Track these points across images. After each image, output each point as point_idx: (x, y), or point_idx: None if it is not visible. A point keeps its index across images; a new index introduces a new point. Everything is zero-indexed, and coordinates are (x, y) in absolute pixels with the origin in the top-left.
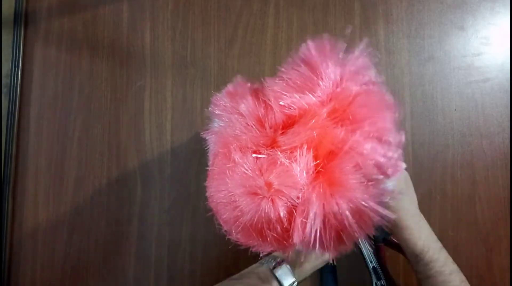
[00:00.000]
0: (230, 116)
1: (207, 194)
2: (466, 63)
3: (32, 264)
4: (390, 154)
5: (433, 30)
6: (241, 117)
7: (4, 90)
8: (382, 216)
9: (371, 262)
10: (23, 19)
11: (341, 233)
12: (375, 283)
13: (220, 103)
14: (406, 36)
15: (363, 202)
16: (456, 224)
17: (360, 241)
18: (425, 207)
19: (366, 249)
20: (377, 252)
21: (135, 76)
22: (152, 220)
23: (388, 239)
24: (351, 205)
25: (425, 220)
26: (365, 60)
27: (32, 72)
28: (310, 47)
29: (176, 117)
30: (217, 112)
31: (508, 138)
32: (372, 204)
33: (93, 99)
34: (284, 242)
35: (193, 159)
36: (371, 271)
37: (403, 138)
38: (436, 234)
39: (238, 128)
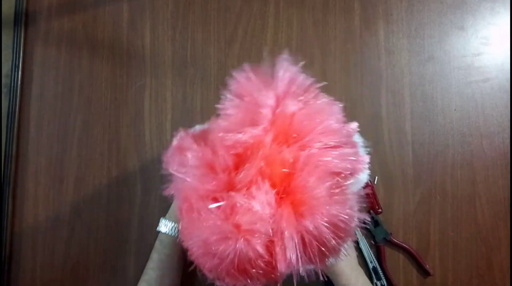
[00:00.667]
0: (183, 169)
1: (186, 247)
2: (466, 63)
3: (32, 264)
4: (349, 154)
5: (433, 30)
6: (194, 168)
7: (4, 90)
8: (359, 219)
9: (371, 262)
10: (23, 19)
11: (322, 247)
12: (375, 283)
13: (171, 160)
14: (406, 36)
15: (334, 212)
16: (456, 224)
17: (360, 241)
18: (425, 207)
19: (366, 250)
20: (377, 252)
21: (135, 76)
22: (152, 220)
23: (388, 239)
24: (325, 219)
25: (361, 270)
26: (292, 71)
27: (32, 72)
28: (239, 79)
29: (176, 117)
30: (171, 170)
31: (508, 138)
32: (344, 212)
33: (93, 99)
34: (271, 275)
35: None
36: (371, 271)
37: (355, 127)
38: (436, 234)
39: (194, 180)
